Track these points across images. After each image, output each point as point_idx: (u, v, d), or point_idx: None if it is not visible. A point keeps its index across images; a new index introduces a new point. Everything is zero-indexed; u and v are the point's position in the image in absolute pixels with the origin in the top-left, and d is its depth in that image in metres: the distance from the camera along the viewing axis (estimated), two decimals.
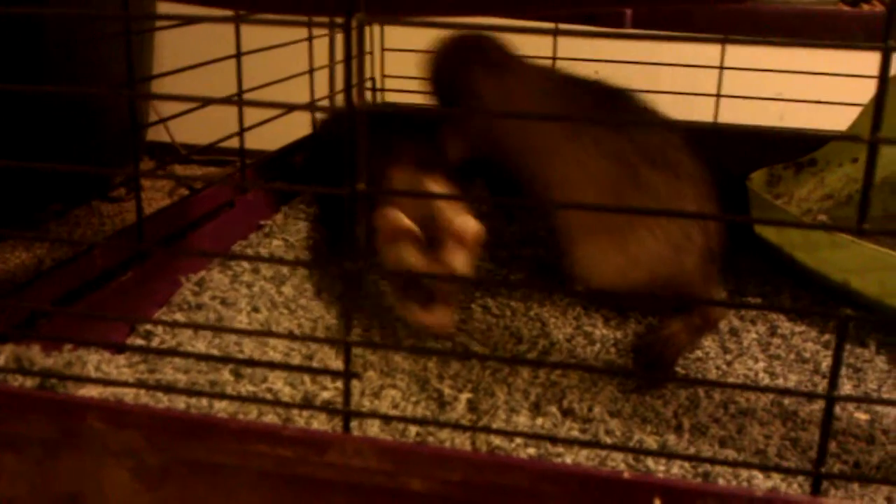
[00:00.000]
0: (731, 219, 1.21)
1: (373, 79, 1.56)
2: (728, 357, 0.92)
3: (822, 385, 0.87)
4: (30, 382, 0.67)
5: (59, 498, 0.58)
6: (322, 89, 1.24)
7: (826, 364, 0.91)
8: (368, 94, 1.52)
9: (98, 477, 0.57)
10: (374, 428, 0.73)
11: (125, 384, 0.72)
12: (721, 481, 0.69)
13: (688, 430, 0.77)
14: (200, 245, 1.05)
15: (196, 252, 1.06)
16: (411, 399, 0.79)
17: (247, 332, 0.89)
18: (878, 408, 0.83)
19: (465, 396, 0.79)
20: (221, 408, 0.73)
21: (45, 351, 0.70)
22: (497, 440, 0.72)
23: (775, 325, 0.99)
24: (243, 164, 1.16)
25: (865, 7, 1.22)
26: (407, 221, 0.87)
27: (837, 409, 0.82)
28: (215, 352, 0.86)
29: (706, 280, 0.97)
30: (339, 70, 1.22)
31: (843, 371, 0.90)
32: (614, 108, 1.03)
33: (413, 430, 0.73)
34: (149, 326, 0.88)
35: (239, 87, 1.08)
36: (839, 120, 1.23)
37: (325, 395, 0.78)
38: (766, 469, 0.71)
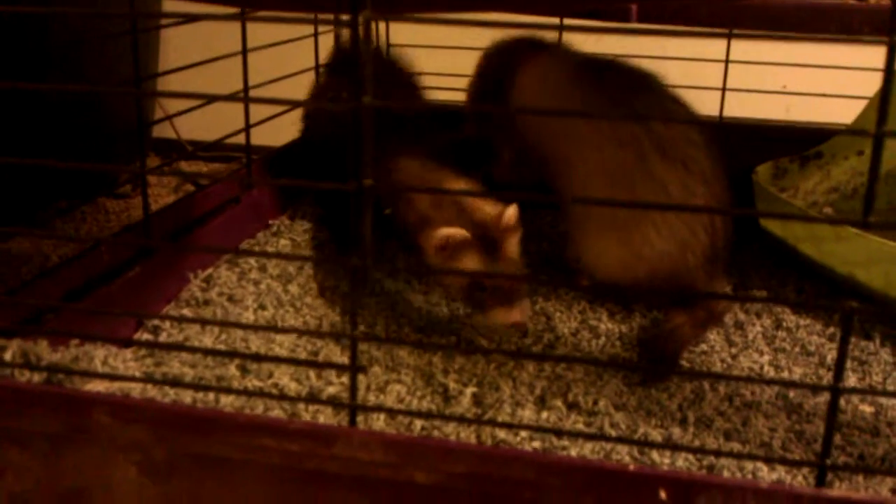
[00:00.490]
0: (736, 212, 1.21)
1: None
2: (733, 350, 0.92)
3: (827, 378, 0.87)
4: (37, 377, 0.67)
5: (66, 493, 0.58)
6: None
7: (831, 357, 0.91)
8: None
9: (105, 471, 0.57)
10: (379, 422, 0.73)
11: (132, 379, 0.72)
12: (726, 473, 0.69)
13: (693, 422, 0.77)
14: (207, 242, 1.05)
15: (203, 248, 1.07)
16: (416, 393, 0.79)
17: (253, 328, 0.90)
18: (883, 400, 0.83)
19: (470, 390, 0.79)
20: (228, 402, 0.74)
21: (52, 346, 0.71)
22: (502, 433, 0.73)
23: (780, 318, 0.99)
24: (249, 161, 1.17)
25: (871, 0, 1.21)
26: (461, 231, 0.86)
27: (842, 402, 0.82)
28: (222, 347, 0.86)
29: (710, 277, 0.96)
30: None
31: (848, 363, 0.90)
32: (642, 97, 1.03)
33: (419, 423, 0.73)
34: (156, 322, 0.89)
35: (245, 83, 1.09)
36: (845, 113, 1.22)
37: (331, 389, 0.78)
38: (770, 461, 0.71)
